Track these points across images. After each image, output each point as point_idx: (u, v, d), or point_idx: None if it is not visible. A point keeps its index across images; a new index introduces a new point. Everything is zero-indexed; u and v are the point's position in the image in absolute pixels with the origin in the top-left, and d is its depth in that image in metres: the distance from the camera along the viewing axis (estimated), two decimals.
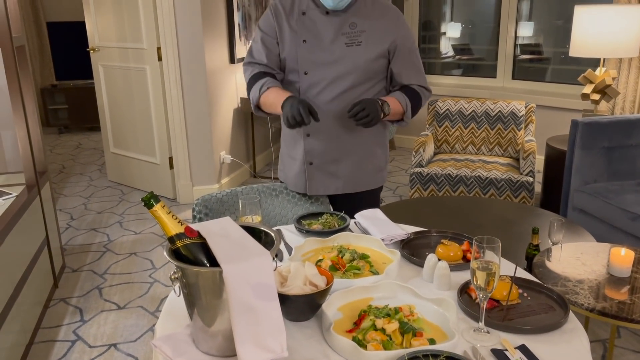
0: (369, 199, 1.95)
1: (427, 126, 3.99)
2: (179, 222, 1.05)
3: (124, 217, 3.94)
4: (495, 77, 5.03)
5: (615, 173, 3.20)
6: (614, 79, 3.62)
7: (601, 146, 3.15)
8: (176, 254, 1.06)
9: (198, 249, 1.05)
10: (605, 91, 3.61)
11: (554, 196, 3.65)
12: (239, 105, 4.47)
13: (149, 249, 3.42)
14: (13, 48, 2.53)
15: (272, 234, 1.13)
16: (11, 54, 2.52)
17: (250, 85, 1.84)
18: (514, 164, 3.66)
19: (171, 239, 1.05)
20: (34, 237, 2.62)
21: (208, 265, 1.05)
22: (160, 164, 4.19)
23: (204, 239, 1.05)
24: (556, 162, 3.62)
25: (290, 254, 1.52)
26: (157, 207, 1.04)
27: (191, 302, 1.05)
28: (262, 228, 1.16)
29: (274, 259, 1.06)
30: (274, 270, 1.11)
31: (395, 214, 2.79)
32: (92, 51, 4.37)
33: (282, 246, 1.58)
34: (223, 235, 1.06)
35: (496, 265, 1.10)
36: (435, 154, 3.93)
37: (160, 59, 3.89)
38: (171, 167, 4.14)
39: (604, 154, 3.16)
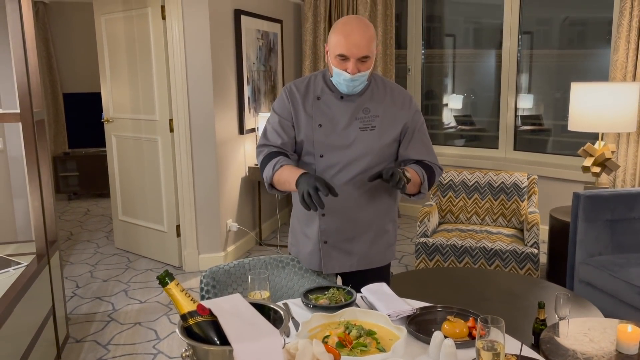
0: (379, 274, 1.97)
1: (432, 196, 4.05)
2: (191, 300, 1.09)
3: (130, 285, 3.94)
4: (497, 147, 5.14)
5: (620, 245, 3.21)
6: (613, 152, 3.70)
7: (604, 219, 3.18)
8: (188, 332, 1.08)
9: (209, 327, 1.08)
10: (605, 164, 3.69)
11: (560, 267, 3.65)
12: (247, 173, 4.57)
13: (154, 318, 3.40)
14: (33, 122, 2.64)
15: (281, 312, 1.16)
16: (31, 127, 2.63)
17: (263, 164, 1.86)
18: (518, 234, 3.69)
19: (184, 317, 1.08)
20: (41, 306, 2.63)
21: (219, 343, 1.07)
22: (168, 232, 4.24)
23: (215, 316, 1.08)
24: (560, 234, 3.64)
25: (297, 329, 1.54)
26: (172, 285, 1.08)
27: None
28: (272, 305, 1.19)
29: (282, 336, 1.09)
30: (282, 347, 1.13)
31: (401, 285, 2.80)
32: (106, 122, 4.52)
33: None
34: (234, 313, 1.10)
35: (501, 345, 1.11)
36: (440, 223, 3.97)
37: (172, 130, 4.03)
38: (178, 235, 4.18)
39: (607, 226, 3.19)
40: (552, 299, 2.66)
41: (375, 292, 1.71)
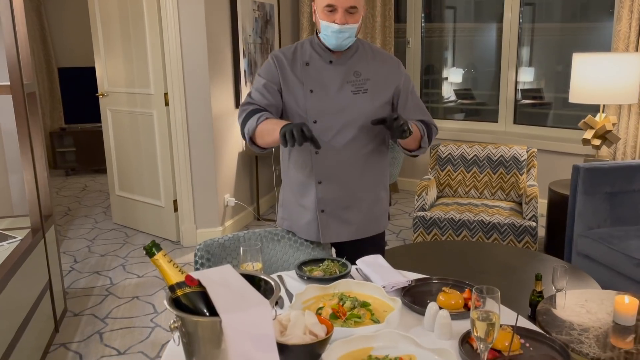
0: (375, 242, 1.97)
1: (430, 170, 4.02)
2: (179, 271, 1.07)
3: (127, 260, 3.94)
4: (497, 121, 5.09)
5: (619, 218, 3.19)
6: (614, 124, 3.66)
7: (603, 191, 3.16)
8: (176, 303, 1.06)
9: (198, 298, 1.06)
10: (605, 137, 3.65)
11: (558, 240, 3.64)
12: (244, 148, 4.53)
13: (151, 292, 3.40)
14: (24, 94, 2.59)
15: (272, 282, 1.14)
16: (22, 100, 2.58)
17: (245, 120, 1.77)
18: (516, 208, 3.66)
19: (172, 288, 1.06)
20: (37, 281, 2.62)
21: (208, 314, 1.05)
22: (165, 207, 4.22)
23: (204, 287, 1.06)
24: (559, 207, 3.62)
25: (290, 301, 1.52)
26: (159, 256, 1.05)
27: (190, 352, 1.05)
28: (262, 276, 1.17)
29: (273, 307, 1.07)
30: (274, 319, 1.11)
31: (398, 258, 2.78)
32: (101, 96, 4.46)
33: (283, 292, 1.59)
34: (223, 284, 1.07)
35: (496, 315, 1.09)
36: (438, 197, 3.95)
37: (167, 104, 3.97)
38: (175, 210, 4.16)
39: (606, 199, 3.17)
40: (550, 271, 2.65)
41: (370, 264, 1.69)
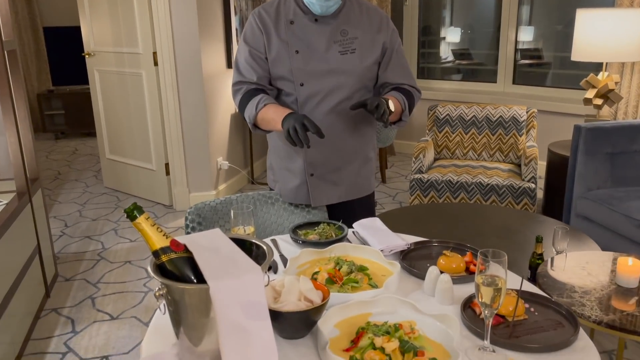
0: (366, 203, 1.91)
1: (427, 131, 3.93)
2: (164, 235, 0.99)
3: (119, 224, 3.87)
4: (495, 82, 4.98)
5: (619, 179, 3.13)
6: (616, 83, 3.56)
7: (605, 152, 3.09)
8: (161, 270, 0.99)
9: (184, 264, 0.99)
10: (608, 96, 3.56)
11: (556, 203, 3.59)
12: (236, 110, 4.40)
13: (144, 257, 3.35)
14: (4, 52, 2.47)
15: (264, 247, 1.06)
16: (2, 58, 2.46)
17: (243, 104, 1.74)
18: (515, 170, 3.60)
19: (156, 253, 0.98)
20: (25, 245, 2.55)
21: (195, 281, 0.98)
22: (157, 171, 4.13)
23: (191, 253, 0.99)
24: (558, 168, 3.56)
25: (285, 265, 1.46)
26: (141, 219, 0.97)
27: (177, 321, 0.98)
28: (253, 240, 1.10)
29: (265, 273, 1.00)
30: (266, 285, 1.04)
31: (395, 221, 2.73)
32: (87, 56, 4.31)
33: (277, 257, 1.52)
34: (211, 249, 1.00)
35: (502, 280, 1.03)
36: (435, 159, 3.87)
37: (156, 63, 3.84)
38: (167, 173, 4.08)
39: (607, 159, 3.10)
40: (549, 233, 2.60)
41: (368, 227, 1.63)
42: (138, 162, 4.24)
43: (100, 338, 2.53)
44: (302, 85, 1.71)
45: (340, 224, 1.63)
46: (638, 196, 2.92)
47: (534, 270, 2.19)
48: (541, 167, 4.57)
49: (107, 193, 4.51)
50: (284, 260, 1.48)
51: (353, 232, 1.67)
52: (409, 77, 1.84)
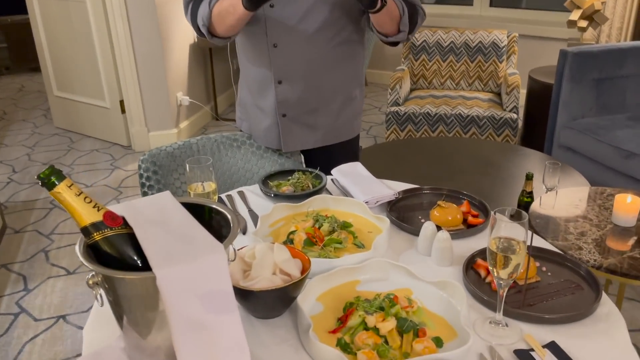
0: (347, 148, 1.67)
1: (403, 60, 3.67)
2: (94, 207, 0.76)
3: (74, 168, 3.58)
4: (471, 4, 4.68)
5: (605, 107, 2.98)
6: (603, 3, 3.34)
7: (591, 78, 2.91)
8: (94, 250, 0.77)
9: (125, 242, 0.77)
10: (593, 17, 3.34)
11: (536, 133, 3.43)
12: (195, 40, 4.04)
13: (103, 203, 3.09)
14: None
15: (229, 216, 0.85)
16: None
17: (194, 11, 1.45)
18: (495, 99, 3.41)
19: (85, 231, 0.76)
20: None
21: (140, 263, 0.77)
22: (111, 108, 3.79)
23: (132, 228, 0.76)
24: (539, 97, 3.38)
25: (255, 224, 1.25)
26: (61, 188, 0.74)
27: (119, 314, 0.77)
28: (214, 206, 0.87)
29: (231, 247, 0.79)
30: (232, 260, 0.84)
31: (371, 160, 2.53)
32: None
33: (245, 213, 1.31)
34: (158, 222, 0.78)
35: (522, 244, 0.85)
36: (411, 90, 3.64)
37: None
38: (123, 111, 3.75)
39: (593, 86, 2.93)
40: (534, 167, 2.46)
41: (348, 173, 1.42)
42: (89, 100, 3.88)
43: (56, 296, 2.32)
44: (272, 6, 1.43)
45: (317, 171, 1.41)
46: (625, 125, 2.78)
47: (524, 209, 2.04)
48: (521, 95, 4.40)
49: (58, 134, 4.16)
50: (254, 218, 1.28)
51: (332, 179, 1.46)
52: None
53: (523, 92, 4.35)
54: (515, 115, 3.13)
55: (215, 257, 0.72)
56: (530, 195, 2.05)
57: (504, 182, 2.33)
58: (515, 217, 0.85)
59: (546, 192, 2.08)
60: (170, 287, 0.69)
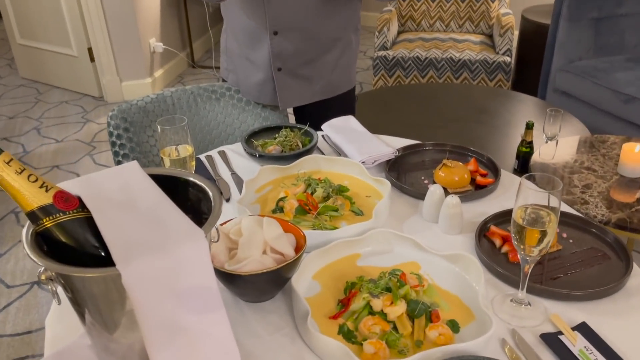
0: (345, 102, 1.52)
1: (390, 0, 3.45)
2: (42, 186, 0.62)
3: (42, 121, 3.36)
4: None
5: (602, 48, 2.84)
6: None
7: (589, 17, 2.75)
8: (45, 239, 0.63)
9: (83, 228, 0.63)
10: None
11: (529, 77, 3.29)
12: None
13: (74, 159, 2.93)
14: None
15: (210, 192, 0.71)
16: None
17: None
18: (487, 41, 3.24)
19: (32, 216, 0.62)
20: None
21: (104, 252, 0.63)
22: (79, 57, 3.54)
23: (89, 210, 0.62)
24: (533, 38, 3.22)
25: (240, 190, 1.11)
26: None
27: (81, 314, 0.65)
28: (190, 178, 0.73)
29: (214, 237, 0.66)
30: (216, 241, 0.71)
31: (359, 109, 2.38)
32: None
33: (228, 177, 1.17)
34: (123, 202, 0.64)
35: (553, 217, 0.73)
36: (399, 32, 3.45)
37: None
38: (92, 59, 3.50)
39: (591, 26, 2.78)
40: (529, 113, 2.34)
41: (341, 129, 1.28)
42: (55, 48, 3.62)
43: (29, 260, 2.19)
44: None
45: (306, 128, 1.26)
46: (624, 67, 2.66)
47: (523, 160, 1.94)
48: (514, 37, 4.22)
49: (24, 85, 3.90)
50: (238, 182, 1.14)
51: (323, 136, 1.32)
52: None
53: (516, 34, 4.17)
54: (509, 59, 2.98)
55: (194, 246, 0.59)
56: (530, 145, 1.93)
57: (500, 131, 2.22)
58: (548, 187, 0.73)
59: (546, 142, 1.97)
60: (139, 285, 0.56)
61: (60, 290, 0.64)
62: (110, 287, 0.59)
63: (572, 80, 2.72)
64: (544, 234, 0.72)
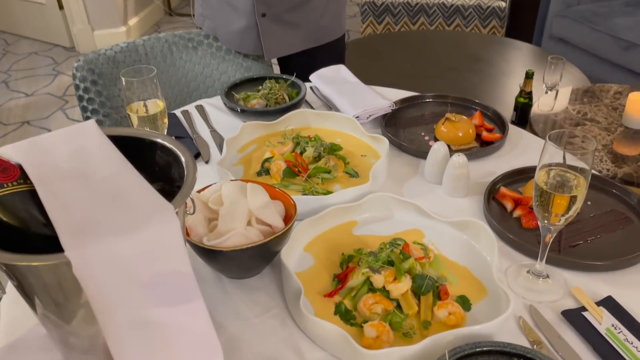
0: (332, 51, 1.40)
1: None
2: None
3: (11, 74, 3.17)
4: None
5: None
6: None
7: None
8: None
9: (25, 202, 0.52)
10: None
11: (524, 23, 3.15)
12: None
13: (46, 114, 2.77)
14: None
15: (179, 153, 0.59)
16: None
17: None
18: None
19: None
20: None
21: (53, 232, 0.52)
22: (47, 4, 3.31)
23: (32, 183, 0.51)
24: None
25: (220, 150, 1.00)
26: None
27: (31, 304, 0.54)
28: (158, 139, 0.62)
29: (188, 210, 0.55)
30: (192, 213, 0.60)
31: (347, 58, 2.24)
32: None
33: (207, 135, 1.05)
34: (75, 172, 0.53)
35: (582, 181, 0.63)
36: None
37: None
38: (61, 7, 3.28)
39: None
40: (525, 61, 2.23)
41: (332, 80, 1.16)
42: None
43: None
44: None
45: (294, 78, 1.14)
46: (624, 12, 2.53)
47: (521, 110, 1.83)
48: None
49: None
50: (218, 140, 1.02)
51: (311, 88, 1.20)
52: None
53: None
54: (503, 4, 2.83)
55: (163, 225, 0.48)
56: (529, 95, 1.82)
57: (495, 80, 2.10)
58: (584, 146, 0.63)
59: (546, 92, 1.87)
60: (95, 275, 0.46)
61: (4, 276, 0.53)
62: (63, 276, 0.48)
63: (569, 26, 2.59)
64: (573, 200, 0.63)
